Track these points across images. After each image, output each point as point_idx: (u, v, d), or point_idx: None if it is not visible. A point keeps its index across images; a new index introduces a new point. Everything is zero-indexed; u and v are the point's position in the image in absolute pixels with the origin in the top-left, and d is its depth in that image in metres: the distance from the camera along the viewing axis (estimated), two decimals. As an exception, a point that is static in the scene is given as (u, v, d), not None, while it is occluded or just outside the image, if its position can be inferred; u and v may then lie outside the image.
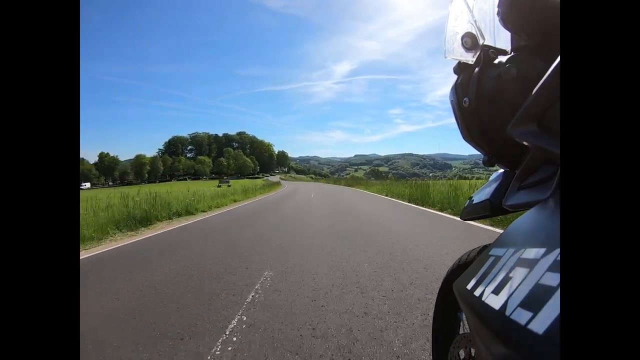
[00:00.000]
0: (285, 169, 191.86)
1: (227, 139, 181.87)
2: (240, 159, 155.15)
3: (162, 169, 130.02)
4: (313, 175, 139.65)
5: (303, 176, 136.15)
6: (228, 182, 43.05)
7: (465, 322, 0.76)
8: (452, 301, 0.81)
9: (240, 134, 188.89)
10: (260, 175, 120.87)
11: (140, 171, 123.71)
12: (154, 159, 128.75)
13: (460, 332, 0.79)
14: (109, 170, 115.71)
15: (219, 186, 37.49)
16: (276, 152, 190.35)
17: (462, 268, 0.68)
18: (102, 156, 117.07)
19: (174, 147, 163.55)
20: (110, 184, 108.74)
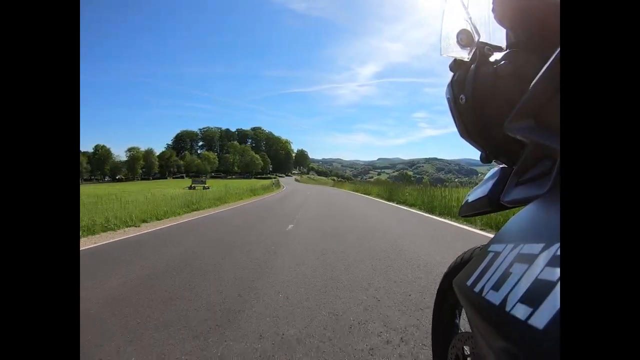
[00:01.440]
0: (305, 169, 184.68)
1: (241, 135, 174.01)
2: (248, 155, 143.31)
3: (156, 164, 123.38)
4: (335, 178, 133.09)
5: (324, 178, 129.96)
6: (204, 183, 38.95)
7: (464, 321, 0.76)
8: (451, 299, 0.85)
9: (255, 129, 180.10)
10: (273, 176, 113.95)
11: (133, 166, 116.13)
12: (147, 153, 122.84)
13: (460, 330, 0.83)
14: (100, 164, 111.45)
15: (192, 188, 33.84)
16: (295, 151, 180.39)
17: (461, 266, 0.72)
18: (97, 149, 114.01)
19: (182, 142, 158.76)
20: (107, 179, 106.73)
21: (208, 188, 31.53)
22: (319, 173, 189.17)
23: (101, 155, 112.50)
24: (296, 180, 76.23)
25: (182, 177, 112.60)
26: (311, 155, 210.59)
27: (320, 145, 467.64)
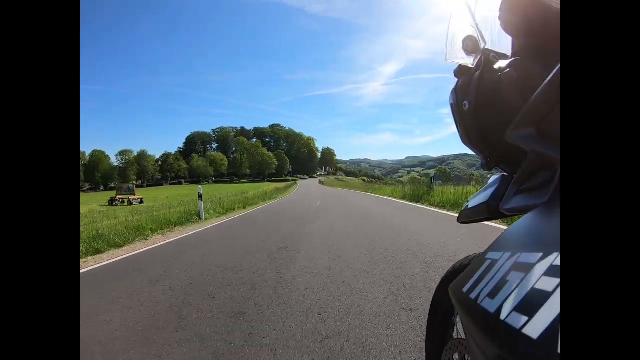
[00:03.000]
0: (332, 170, 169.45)
1: (258, 133, 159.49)
2: (257, 154, 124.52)
3: (151, 169, 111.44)
4: (365, 178, 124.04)
5: (353, 179, 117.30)
6: (131, 194, 27.47)
7: (459, 327, 0.82)
8: (446, 305, 0.89)
9: (273, 126, 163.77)
10: (292, 178, 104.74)
11: (125, 173, 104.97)
12: (139, 156, 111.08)
13: (454, 337, 0.86)
14: (91, 171, 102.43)
15: (115, 202, 25.88)
16: (319, 150, 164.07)
17: (457, 273, 0.75)
18: (95, 154, 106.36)
19: (193, 144, 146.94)
20: (102, 188, 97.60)
21: (140, 202, 25.53)
22: (347, 173, 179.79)
23: (91, 161, 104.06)
24: (320, 182, 69.67)
25: (180, 183, 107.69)
26: (338, 157, 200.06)
27: (346, 146, 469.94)
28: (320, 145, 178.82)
